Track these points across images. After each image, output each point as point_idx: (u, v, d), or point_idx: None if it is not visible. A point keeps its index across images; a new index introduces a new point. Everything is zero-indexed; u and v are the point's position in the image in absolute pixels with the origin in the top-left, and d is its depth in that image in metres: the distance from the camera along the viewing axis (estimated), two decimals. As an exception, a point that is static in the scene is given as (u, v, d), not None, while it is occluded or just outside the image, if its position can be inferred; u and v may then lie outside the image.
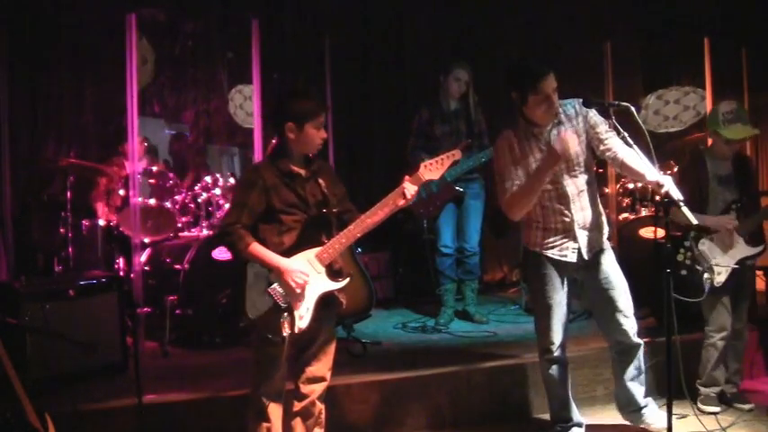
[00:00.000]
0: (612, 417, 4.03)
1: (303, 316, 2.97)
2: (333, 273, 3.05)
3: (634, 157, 3.21)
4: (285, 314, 2.94)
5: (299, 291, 2.95)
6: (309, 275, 2.97)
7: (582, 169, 3.37)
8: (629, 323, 3.47)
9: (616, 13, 6.74)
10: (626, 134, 3.16)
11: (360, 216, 3.05)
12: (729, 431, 3.80)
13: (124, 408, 3.46)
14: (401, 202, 3.01)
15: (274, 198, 3.00)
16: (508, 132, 3.37)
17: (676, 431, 3.04)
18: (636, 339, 3.49)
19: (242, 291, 3.02)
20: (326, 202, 3.07)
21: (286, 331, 2.93)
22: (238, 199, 3.06)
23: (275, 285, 2.96)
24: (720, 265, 3.95)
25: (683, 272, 3.96)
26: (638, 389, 3.57)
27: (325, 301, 3.04)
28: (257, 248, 2.96)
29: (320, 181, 3.09)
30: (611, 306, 3.46)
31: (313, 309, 2.99)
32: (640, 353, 3.55)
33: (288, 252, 2.99)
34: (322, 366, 3.15)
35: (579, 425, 3.54)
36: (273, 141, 3.99)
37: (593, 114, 3.25)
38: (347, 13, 6.71)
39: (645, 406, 3.59)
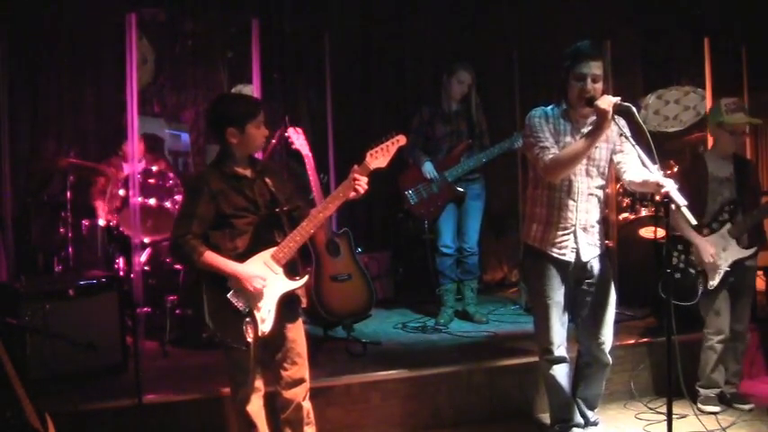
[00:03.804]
0: (611, 417, 4.03)
1: (265, 319, 2.95)
2: (290, 272, 3.04)
3: (639, 172, 3.23)
4: (247, 319, 2.92)
5: (257, 295, 2.93)
6: (267, 278, 2.95)
7: (599, 173, 3.36)
8: (608, 339, 3.47)
9: (616, 13, 6.74)
10: (627, 132, 3.15)
11: (311, 212, 3.05)
12: (729, 431, 3.80)
13: (124, 408, 3.46)
14: (352, 195, 3.01)
15: (223, 203, 2.97)
16: (543, 108, 3.37)
17: (676, 431, 3.04)
18: (608, 358, 3.50)
19: (200, 301, 2.98)
20: (276, 201, 3.06)
21: (250, 337, 2.91)
22: (186, 209, 3.01)
23: (233, 292, 2.94)
24: (712, 269, 3.97)
25: (677, 274, 3.99)
26: (587, 408, 3.60)
27: (286, 301, 3.03)
28: (211, 257, 2.92)
29: (267, 180, 3.07)
30: (595, 317, 3.45)
31: (275, 311, 2.97)
32: (607, 372, 3.57)
33: (243, 255, 2.97)
34: (299, 368, 3.12)
35: (579, 425, 3.54)
36: (273, 141, 3.99)
37: (624, 125, 3.23)
38: (347, 13, 6.70)
39: (594, 423, 3.61)
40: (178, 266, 4.85)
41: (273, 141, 4.95)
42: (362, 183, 3.00)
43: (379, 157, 3.06)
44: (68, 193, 5.26)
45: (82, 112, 6.14)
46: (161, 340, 4.55)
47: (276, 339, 3.07)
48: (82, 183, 5.57)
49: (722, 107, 4.04)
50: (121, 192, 5.24)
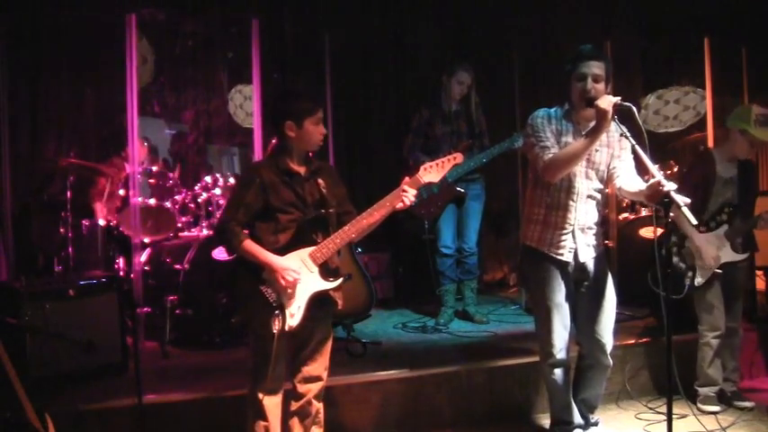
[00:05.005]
0: (611, 417, 4.03)
1: (294, 314, 2.98)
2: (326, 273, 3.05)
3: (632, 181, 3.26)
4: (276, 312, 2.96)
5: (289, 289, 2.97)
6: (301, 274, 2.98)
7: (599, 176, 3.37)
8: (609, 340, 3.47)
9: (616, 13, 6.74)
10: (625, 130, 3.15)
11: (356, 217, 3.05)
12: (729, 431, 3.80)
13: (124, 408, 3.46)
14: (399, 206, 3.02)
15: (272, 196, 3.02)
16: (546, 110, 3.37)
17: (676, 431, 3.04)
18: (609, 360, 3.49)
19: (235, 287, 3.06)
20: (324, 202, 3.08)
21: (276, 328, 2.94)
22: (235, 197, 3.10)
23: (267, 283, 2.98)
24: (703, 267, 3.98)
25: (668, 270, 3.99)
26: (588, 409, 3.60)
27: (319, 301, 3.05)
28: (251, 246, 2.98)
29: (319, 181, 3.10)
30: (596, 319, 3.44)
31: (305, 308, 3.00)
32: (607, 373, 3.58)
33: (282, 250, 3.00)
34: (318, 366, 3.16)
35: (580, 426, 3.53)
36: (274, 141, 4.01)
37: (624, 130, 3.22)
38: (347, 13, 6.70)
39: (595, 423, 3.61)
40: (178, 266, 4.85)
41: (274, 141, 4.96)
42: (410, 195, 3.01)
43: (432, 172, 3.07)
44: (68, 193, 5.26)
45: (82, 112, 6.15)
46: (161, 340, 4.54)
47: (304, 336, 3.10)
48: (82, 183, 5.57)
49: (752, 116, 3.96)
50: (122, 192, 5.25)
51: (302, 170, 3.10)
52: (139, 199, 4.73)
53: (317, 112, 3.06)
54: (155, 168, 5.37)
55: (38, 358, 3.62)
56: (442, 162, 3.08)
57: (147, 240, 5.12)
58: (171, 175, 5.40)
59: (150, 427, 3.39)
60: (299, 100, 3.09)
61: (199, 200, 5.28)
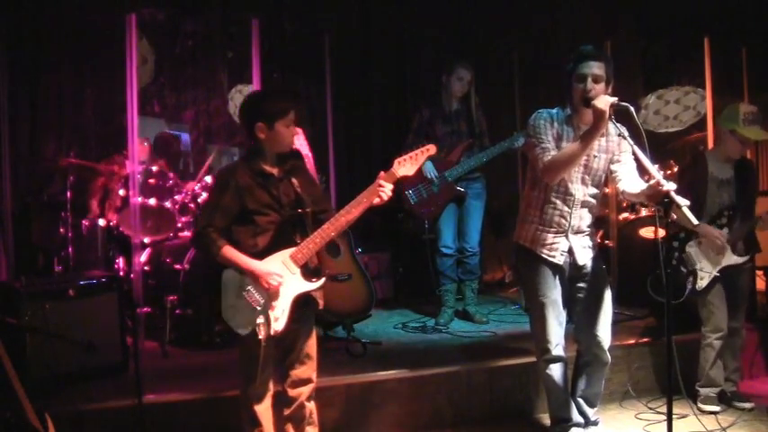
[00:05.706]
0: (611, 417, 4.03)
1: (278, 318, 2.97)
2: (308, 273, 3.04)
3: (634, 183, 3.26)
4: (261, 317, 2.94)
5: (273, 293, 2.95)
6: (284, 277, 2.97)
7: (596, 182, 3.39)
8: (606, 337, 3.47)
9: (616, 13, 6.75)
10: (624, 130, 3.15)
11: (335, 215, 3.04)
12: (729, 431, 3.80)
13: (124, 408, 3.45)
14: (376, 201, 3.00)
15: (248, 199, 2.99)
16: (549, 111, 3.37)
17: (676, 431, 3.04)
18: (608, 356, 3.50)
19: (218, 294, 3.02)
20: (300, 202, 3.05)
21: (261, 333, 2.93)
22: (211, 201, 3.07)
23: (250, 288, 2.96)
24: (704, 271, 3.97)
25: (668, 270, 3.98)
26: (587, 406, 3.60)
27: (302, 302, 3.04)
28: (230, 252, 2.95)
29: (293, 181, 3.08)
30: (593, 315, 3.45)
31: (289, 310, 2.99)
32: (606, 370, 3.58)
33: (262, 253, 2.98)
34: (307, 369, 3.15)
35: (579, 424, 3.54)
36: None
37: (626, 132, 3.22)
38: (347, 13, 6.71)
39: (594, 423, 3.61)
40: (178, 266, 4.85)
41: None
42: (387, 190, 2.98)
43: (406, 165, 3.04)
44: (68, 193, 5.26)
45: (82, 112, 6.15)
46: (161, 340, 4.54)
47: (289, 339, 3.09)
48: (82, 183, 5.57)
49: (740, 115, 3.92)
50: (121, 192, 5.25)
51: (276, 171, 3.07)
52: (139, 199, 4.72)
53: (288, 113, 3.01)
54: (155, 168, 5.37)
55: (38, 358, 3.62)
56: (416, 154, 3.05)
57: (147, 240, 5.12)
58: (171, 174, 5.38)
59: (150, 427, 3.39)
60: (269, 101, 3.05)
61: (199, 200, 5.28)
